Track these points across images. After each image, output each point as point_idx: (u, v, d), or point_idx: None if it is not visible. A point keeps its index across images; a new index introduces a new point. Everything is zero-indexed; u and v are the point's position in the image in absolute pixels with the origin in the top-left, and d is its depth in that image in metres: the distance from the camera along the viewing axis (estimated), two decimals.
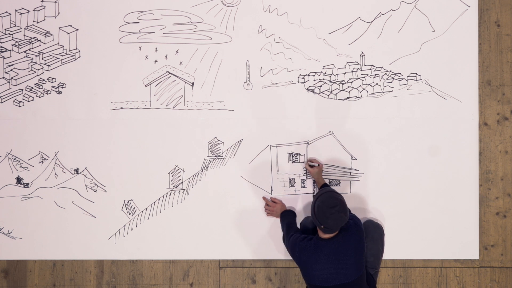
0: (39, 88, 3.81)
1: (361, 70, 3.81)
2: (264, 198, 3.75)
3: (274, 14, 3.81)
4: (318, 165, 3.68)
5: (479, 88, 3.80)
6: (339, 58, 3.81)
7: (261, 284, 3.81)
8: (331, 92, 3.80)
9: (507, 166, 3.81)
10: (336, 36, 3.81)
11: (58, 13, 3.82)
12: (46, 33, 3.82)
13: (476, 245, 3.78)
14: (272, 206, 3.69)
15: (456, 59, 3.79)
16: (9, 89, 3.82)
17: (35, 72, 3.82)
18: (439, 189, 3.76)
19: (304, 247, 3.19)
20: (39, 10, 3.82)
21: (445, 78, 3.79)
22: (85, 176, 3.80)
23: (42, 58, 3.82)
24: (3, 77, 3.82)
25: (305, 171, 3.77)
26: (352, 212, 3.76)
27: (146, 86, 3.81)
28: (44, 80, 3.81)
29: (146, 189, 3.79)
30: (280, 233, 3.75)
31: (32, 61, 3.82)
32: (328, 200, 3.10)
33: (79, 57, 3.82)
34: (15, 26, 3.83)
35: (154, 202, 3.80)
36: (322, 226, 3.09)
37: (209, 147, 3.80)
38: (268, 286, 3.81)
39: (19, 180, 3.80)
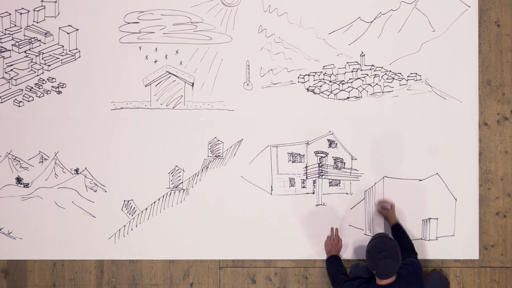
0: (39, 88, 3.81)
1: (361, 70, 3.81)
2: (330, 236, 3.74)
3: (274, 14, 3.81)
4: (391, 207, 3.66)
5: (479, 88, 3.80)
6: (339, 58, 3.81)
7: (261, 284, 3.81)
8: (331, 92, 3.80)
9: (507, 166, 3.81)
10: (336, 36, 3.81)
11: (58, 13, 3.82)
12: (46, 33, 3.82)
13: (476, 245, 3.78)
14: (335, 244, 3.66)
15: (456, 59, 3.79)
16: (9, 89, 3.82)
17: (35, 72, 3.82)
18: (439, 189, 3.76)
19: None
20: (39, 10, 3.82)
21: (445, 78, 3.79)
22: (85, 176, 3.80)
23: (42, 58, 3.82)
24: (3, 77, 3.82)
25: (302, 175, 3.78)
26: (352, 212, 3.77)
27: (146, 86, 3.81)
28: (44, 80, 3.81)
29: (146, 189, 3.79)
30: (281, 234, 3.75)
31: (32, 61, 3.82)
32: (377, 245, 3.14)
33: (79, 57, 3.82)
34: (15, 26, 3.83)
35: (154, 202, 3.80)
36: (374, 272, 3.14)
37: (209, 147, 3.80)
38: (268, 286, 3.81)
39: (19, 180, 3.80)
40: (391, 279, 3.17)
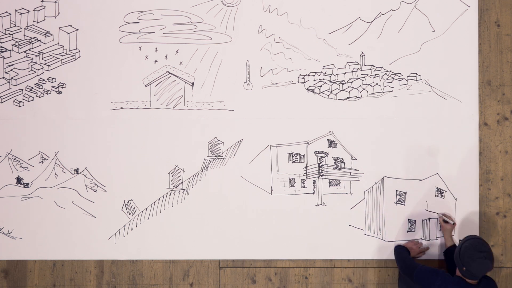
0: (39, 88, 3.81)
1: (361, 70, 3.81)
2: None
3: (274, 14, 3.81)
4: (454, 223, 3.65)
5: (479, 88, 3.80)
6: (339, 58, 3.81)
7: (261, 284, 3.81)
8: (331, 92, 3.80)
9: (507, 166, 3.81)
10: (336, 36, 3.81)
11: (58, 13, 3.82)
12: (46, 33, 3.82)
13: None
14: (417, 247, 3.65)
15: (456, 59, 3.79)
16: (9, 89, 3.82)
17: (35, 72, 3.82)
18: (439, 190, 3.76)
19: (447, 278, 3.17)
20: (39, 10, 3.82)
21: (445, 78, 3.79)
22: (85, 176, 3.80)
23: (42, 58, 3.82)
24: (3, 77, 3.82)
25: (302, 175, 3.78)
26: (352, 212, 3.77)
27: (146, 86, 3.81)
28: (44, 80, 3.81)
29: (146, 189, 3.79)
30: (281, 234, 3.75)
31: (32, 61, 3.82)
32: (478, 244, 3.11)
33: (79, 57, 3.82)
34: (15, 26, 3.83)
35: (154, 202, 3.80)
36: (464, 269, 3.08)
37: (209, 147, 3.80)
38: (268, 286, 3.81)
39: (19, 180, 3.80)
40: (474, 281, 3.15)
